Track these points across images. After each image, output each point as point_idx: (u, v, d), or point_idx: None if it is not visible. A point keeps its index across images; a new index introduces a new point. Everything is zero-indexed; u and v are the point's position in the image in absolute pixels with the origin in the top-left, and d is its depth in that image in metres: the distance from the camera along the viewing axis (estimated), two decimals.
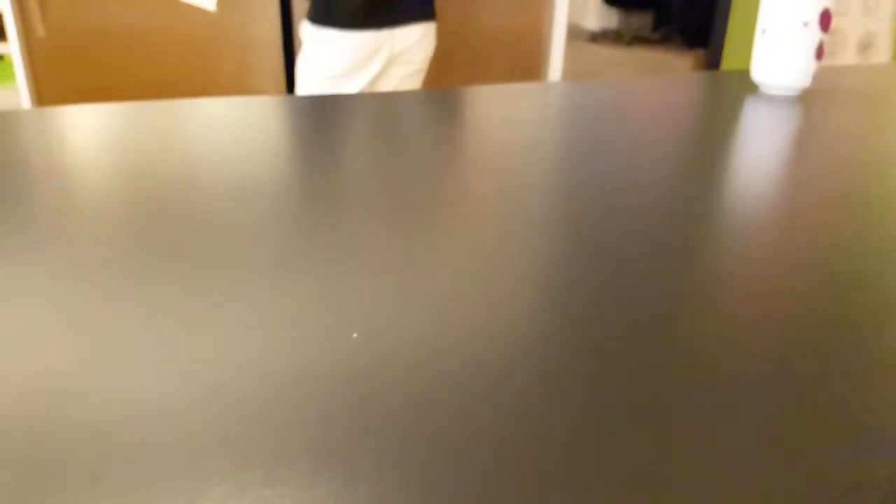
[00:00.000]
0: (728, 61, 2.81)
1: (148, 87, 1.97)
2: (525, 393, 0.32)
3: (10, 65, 2.26)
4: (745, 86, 0.99)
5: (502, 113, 0.85)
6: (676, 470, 0.28)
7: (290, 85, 2.12)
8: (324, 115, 0.82)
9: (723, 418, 0.30)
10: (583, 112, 0.86)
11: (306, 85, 1.66)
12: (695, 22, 3.69)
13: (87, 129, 0.75)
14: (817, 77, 1.08)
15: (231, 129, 0.76)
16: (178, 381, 0.33)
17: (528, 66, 2.27)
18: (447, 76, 1.85)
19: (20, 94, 1.93)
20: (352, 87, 1.62)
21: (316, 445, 0.29)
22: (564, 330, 0.37)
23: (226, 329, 0.37)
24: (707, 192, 0.59)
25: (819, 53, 0.88)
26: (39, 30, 1.88)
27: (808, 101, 0.91)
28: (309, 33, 1.62)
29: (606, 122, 0.81)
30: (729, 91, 0.99)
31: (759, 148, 0.72)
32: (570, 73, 2.43)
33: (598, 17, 4.15)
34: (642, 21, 4.21)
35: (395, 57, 1.63)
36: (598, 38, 4.04)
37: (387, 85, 1.67)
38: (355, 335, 0.36)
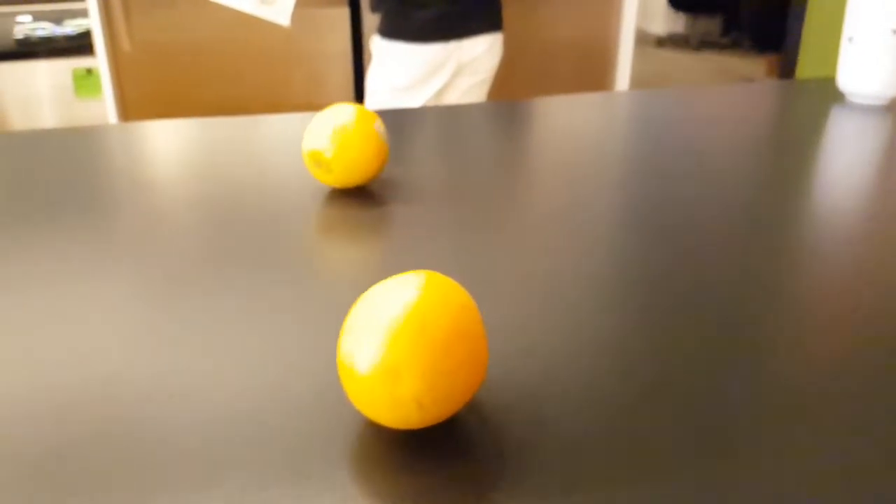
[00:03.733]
0: (803, 67, 2.73)
1: (225, 99, 2.04)
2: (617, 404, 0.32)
3: (98, 78, 2.37)
4: (828, 94, 0.96)
5: (571, 124, 0.85)
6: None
7: (358, 97, 2.17)
8: (393, 128, 0.84)
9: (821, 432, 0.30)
10: (657, 122, 0.85)
11: (376, 96, 1.69)
12: (766, 26, 3.59)
13: (169, 142, 0.79)
14: None
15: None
16: (268, 384, 0.34)
17: (595, 73, 2.25)
18: (513, 85, 1.86)
19: (106, 105, 2.03)
20: (419, 98, 1.64)
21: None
22: (648, 348, 0.37)
23: (326, 337, 0.39)
24: (793, 207, 0.58)
25: None
26: (125, 44, 1.98)
27: None
28: (379, 47, 1.65)
29: (682, 133, 0.80)
30: (812, 100, 0.96)
31: (847, 160, 0.70)
32: (636, 78, 2.41)
33: (664, 21, 4.08)
34: (710, 25, 4.11)
35: (463, 67, 1.65)
36: (664, 42, 3.97)
37: (453, 95, 1.69)
38: None
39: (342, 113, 0.59)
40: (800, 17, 2.72)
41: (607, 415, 0.32)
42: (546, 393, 0.34)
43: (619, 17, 2.22)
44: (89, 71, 2.49)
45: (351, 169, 0.60)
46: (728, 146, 0.75)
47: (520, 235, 0.53)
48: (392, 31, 1.61)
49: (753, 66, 3.61)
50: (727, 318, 0.40)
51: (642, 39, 2.55)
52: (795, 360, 0.36)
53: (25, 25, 2.45)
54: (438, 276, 0.32)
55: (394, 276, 0.32)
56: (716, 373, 0.35)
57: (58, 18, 2.46)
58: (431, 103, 1.65)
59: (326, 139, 0.58)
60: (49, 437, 0.31)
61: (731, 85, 1.10)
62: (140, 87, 2.00)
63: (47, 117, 2.55)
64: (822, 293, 0.43)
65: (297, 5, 1.70)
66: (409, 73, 1.62)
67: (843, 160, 0.70)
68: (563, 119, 0.89)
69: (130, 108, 2.06)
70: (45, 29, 2.45)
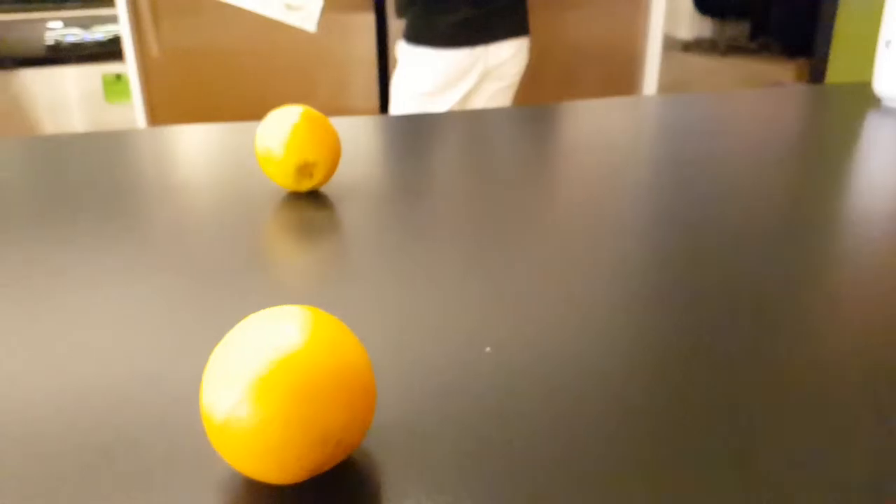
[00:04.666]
0: (833, 72, 2.68)
1: (251, 105, 2.05)
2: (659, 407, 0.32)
3: (127, 83, 2.41)
4: (863, 99, 0.94)
5: (597, 129, 0.84)
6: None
7: (383, 102, 2.17)
8: (420, 133, 0.84)
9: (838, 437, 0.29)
10: (685, 127, 0.84)
11: (401, 102, 1.69)
12: (795, 30, 3.53)
13: (196, 146, 0.79)
14: None
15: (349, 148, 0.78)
16: None
17: (621, 78, 2.24)
18: (539, 90, 1.85)
19: (135, 110, 2.06)
20: (445, 103, 1.64)
21: (451, 460, 0.29)
22: (682, 349, 0.36)
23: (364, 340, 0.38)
24: (829, 212, 0.56)
25: None
26: (154, 50, 2.00)
27: None
28: (404, 52, 1.65)
29: (712, 139, 0.79)
30: (846, 104, 0.94)
31: (885, 164, 0.68)
32: (662, 84, 2.38)
33: (691, 25, 4.04)
34: (738, 30, 4.06)
35: (489, 72, 1.64)
36: (691, 47, 3.93)
37: (479, 100, 1.69)
38: (489, 349, 0.37)
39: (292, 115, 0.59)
40: (830, 21, 2.67)
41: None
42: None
43: (646, 21, 2.20)
44: (118, 76, 2.53)
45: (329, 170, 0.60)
46: (760, 151, 0.74)
47: (539, 243, 0.52)
48: (417, 36, 1.61)
49: (782, 71, 3.56)
50: (761, 329, 0.39)
51: (668, 44, 2.53)
52: (828, 370, 0.35)
53: (56, 31, 2.50)
54: (318, 313, 0.28)
55: (268, 310, 0.29)
56: (737, 373, 0.34)
57: (87, 24, 2.50)
58: (457, 108, 1.65)
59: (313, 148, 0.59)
60: (91, 437, 0.31)
61: (763, 89, 1.09)
62: (168, 92, 2.03)
63: (78, 121, 2.59)
64: (857, 301, 0.42)
65: (324, 11, 1.71)
66: (435, 78, 1.62)
67: (881, 164, 0.68)
68: (589, 123, 0.88)
69: (159, 112, 2.08)
70: (76, 35, 2.49)
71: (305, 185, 0.61)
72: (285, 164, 0.58)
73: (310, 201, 0.61)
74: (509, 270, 0.47)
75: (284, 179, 0.60)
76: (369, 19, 2.09)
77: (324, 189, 0.64)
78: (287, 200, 0.61)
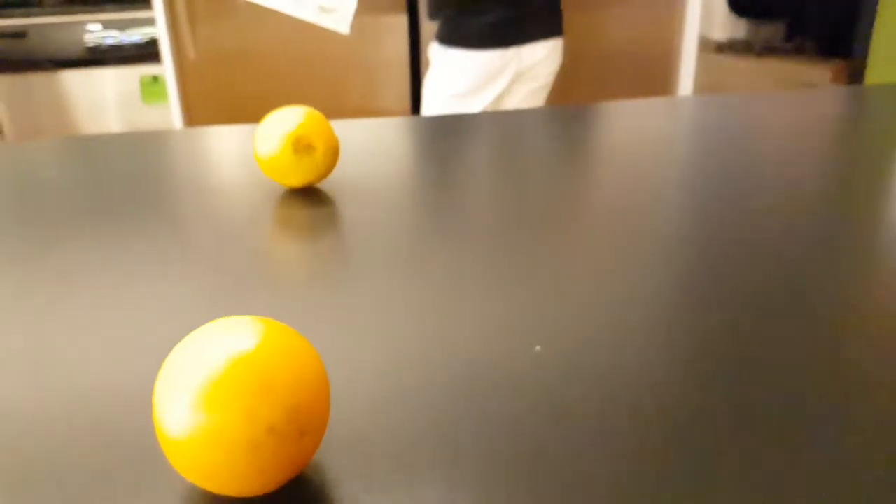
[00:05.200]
0: (872, 73, 2.63)
1: (283, 105, 2.08)
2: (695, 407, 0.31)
3: (164, 85, 2.44)
4: None
5: (636, 129, 0.84)
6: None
7: (415, 104, 2.18)
8: (453, 134, 0.84)
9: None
10: (721, 129, 0.83)
11: (433, 104, 1.69)
12: (832, 31, 3.47)
13: (231, 146, 0.80)
14: None
15: (382, 149, 0.78)
16: (371, 386, 0.34)
17: (656, 79, 2.22)
18: (572, 91, 1.84)
19: (172, 111, 2.09)
20: (477, 105, 1.64)
21: (498, 456, 0.29)
22: (719, 353, 0.36)
23: (409, 342, 0.38)
24: (869, 216, 0.55)
25: None
26: (190, 52, 2.04)
27: None
28: (437, 54, 1.65)
29: (749, 141, 0.77)
30: (887, 106, 0.92)
31: None
32: (697, 85, 2.35)
33: (724, 26, 3.99)
34: (774, 30, 4.00)
35: (522, 73, 1.64)
36: (724, 48, 3.88)
37: (511, 101, 1.68)
38: (538, 348, 0.37)
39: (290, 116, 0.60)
40: (869, 22, 2.62)
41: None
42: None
43: (681, 22, 2.18)
44: (155, 78, 2.57)
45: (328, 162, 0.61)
46: (800, 153, 0.72)
47: (569, 245, 0.52)
48: (450, 37, 1.61)
49: (819, 73, 3.50)
50: (802, 341, 0.39)
51: (702, 45, 2.50)
52: (869, 384, 0.34)
53: (95, 34, 2.55)
54: (273, 323, 0.28)
55: (221, 320, 0.28)
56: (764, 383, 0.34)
57: (125, 27, 2.54)
58: (490, 110, 1.64)
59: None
60: (131, 433, 0.32)
61: (800, 90, 1.07)
62: (204, 93, 2.06)
63: (116, 122, 2.64)
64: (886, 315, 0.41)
65: (356, 13, 1.72)
66: (467, 79, 1.62)
67: None
68: (625, 124, 0.87)
69: (195, 114, 2.11)
70: (114, 37, 2.54)
71: (306, 166, 0.60)
72: (282, 155, 0.59)
73: (326, 200, 0.61)
74: (539, 272, 0.47)
75: (283, 172, 0.61)
76: (402, 21, 2.09)
77: (350, 188, 0.64)
78: (306, 198, 0.62)
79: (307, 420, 0.26)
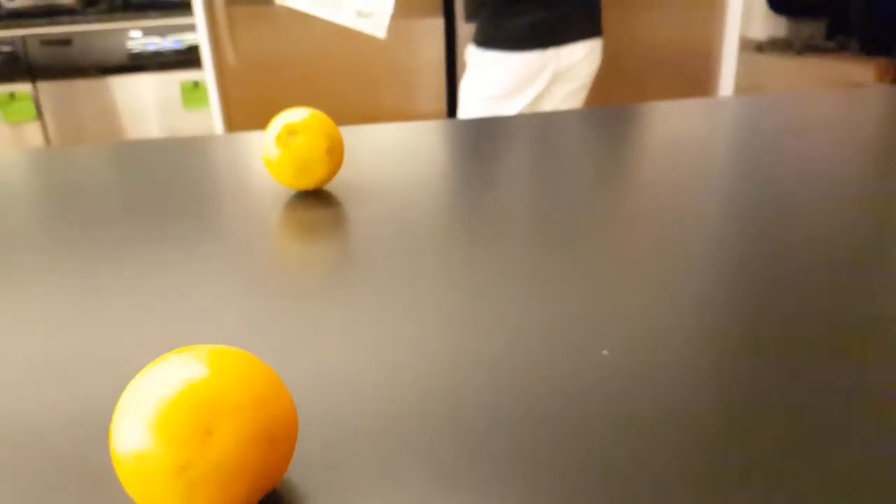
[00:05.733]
0: None
1: (323, 109, 2.10)
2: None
3: (204, 91, 2.48)
4: None
5: (677, 131, 0.82)
6: None
7: (450, 107, 2.18)
8: (489, 137, 0.83)
9: None
10: (770, 128, 0.81)
11: (470, 106, 1.69)
12: (876, 29, 3.38)
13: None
14: None
15: (420, 152, 0.78)
16: (429, 390, 0.34)
17: (696, 80, 2.19)
18: (611, 92, 1.82)
19: (213, 116, 2.12)
20: (514, 107, 1.63)
21: (567, 462, 0.29)
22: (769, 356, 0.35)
23: (471, 343, 0.38)
24: None
25: None
26: (230, 58, 2.06)
27: None
28: (474, 56, 1.65)
29: (796, 140, 0.76)
30: None
31: None
32: (737, 86, 2.31)
33: (764, 25, 3.92)
34: (814, 28, 3.91)
35: (560, 75, 1.62)
36: (764, 47, 3.81)
37: (549, 103, 1.67)
38: (606, 352, 0.36)
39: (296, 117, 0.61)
40: None
41: None
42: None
43: (721, 21, 2.14)
44: (196, 84, 2.61)
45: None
46: (846, 153, 0.70)
47: (609, 247, 0.51)
48: (488, 39, 1.61)
49: (862, 71, 3.41)
50: (846, 352, 0.37)
51: (741, 44, 2.45)
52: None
53: (137, 40, 2.60)
54: (235, 352, 0.28)
55: (181, 351, 0.27)
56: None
57: (165, 33, 2.59)
58: (527, 112, 1.64)
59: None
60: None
61: (844, 90, 1.04)
62: (243, 98, 2.08)
63: (157, 128, 2.69)
64: None
65: (393, 17, 1.73)
66: (505, 82, 1.61)
67: None
68: (664, 125, 0.86)
69: (235, 119, 2.14)
70: (156, 44, 2.59)
71: (298, 162, 0.61)
72: (275, 152, 0.60)
73: (350, 203, 0.61)
74: (579, 276, 0.46)
75: (280, 171, 0.61)
76: (438, 24, 2.10)
77: (381, 191, 0.64)
78: (322, 200, 0.62)
79: (255, 450, 0.25)
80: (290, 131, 0.60)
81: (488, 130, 0.87)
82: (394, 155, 0.77)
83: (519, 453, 0.30)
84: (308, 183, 0.63)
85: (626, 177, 0.67)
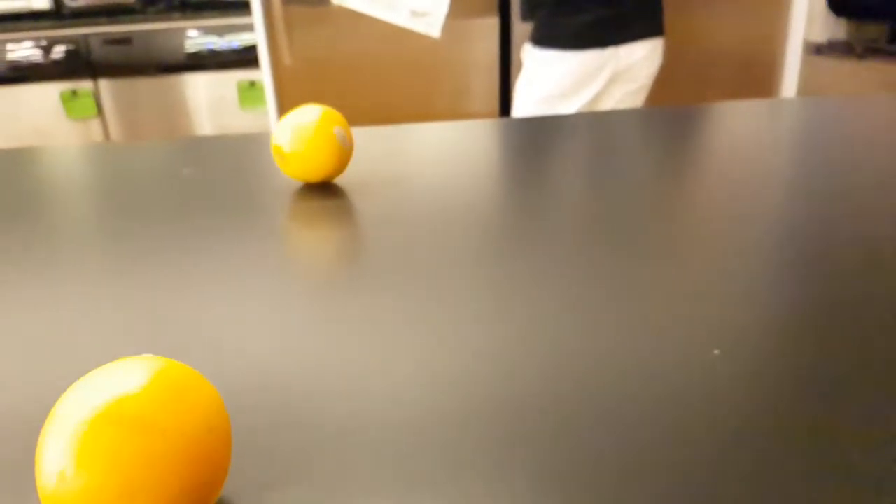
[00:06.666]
0: None
1: (376, 109, 2.10)
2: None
3: (261, 90, 2.52)
4: None
5: (737, 131, 0.80)
6: None
7: (504, 107, 2.17)
8: (543, 135, 0.82)
9: None
10: (834, 131, 0.78)
11: (525, 106, 1.67)
12: None
13: None
14: None
15: (471, 151, 0.77)
16: (504, 389, 0.33)
17: (756, 82, 2.13)
18: (669, 93, 1.79)
19: (269, 115, 2.15)
20: (571, 107, 1.61)
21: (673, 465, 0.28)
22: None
23: (573, 344, 0.37)
24: None
25: None
26: (286, 58, 2.09)
27: None
28: (530, 55, 1.63)
29: (863, 143, 0.73)
30: None
31: None
32: (798, 88, 2.25)
33: (824, 28, 3.82)
34: (876, 31, 3.80)
35: (619, 75, 1.60)
36: (824, 50, 3.71)
37: (607, 103, 1.65)
38: (717, 352, 0.35)
39: (306, 114, 0.63)
40: None
41: None
42: None
43: (784, 23, 2.09)
44: (252, 83, 2.65)
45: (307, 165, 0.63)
46: None
47: (670, 249, 0.49)
48: (545, 38, 1.59)
49: None
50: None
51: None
52: None
53: (195, 40, 2.65)
54: (173, 366, 0.26)
55: (122, 360, 0.26)
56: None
57: (223, 33, 2.63)
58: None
59: (286, 136, 0.62)
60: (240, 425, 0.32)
61: None
62: (299, 98, 2.10)
63: (213, 126, 2.74)
64: None
65: (448, 16, 1.73)
66: (561, 81, 1.59)
67: None
68: (722, 127, 0.83)
69: None
70: (213, 43, 2.64)
71: (311, 175, 0.63)
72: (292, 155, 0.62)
73: (389, 199, 0.61)
74: (637, 278, 0.44)
75: (290, 170, 0.63)
76: (493, 23, 2.09)
77: (420, 193, 0.63)
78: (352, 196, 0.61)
79: (189, 479, 0.24)
80: (301, 127, 0.62)
81: (539, 128, 0.85)
82: (439, 153, 0.76)
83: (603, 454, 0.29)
84: (315, 176, 0.64)
85: (687, 176, 0.65)
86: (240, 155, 0.79)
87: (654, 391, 0.32)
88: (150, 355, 0.26)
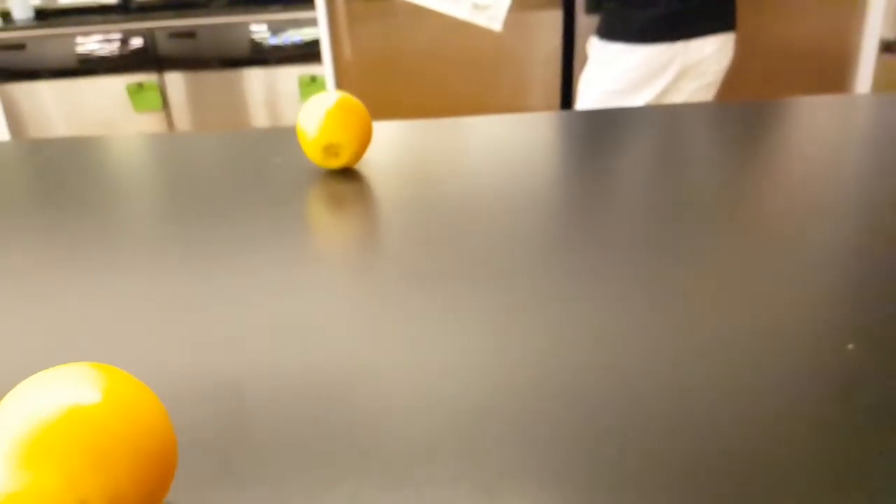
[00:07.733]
0: None
1: (436, 103, 2.11)
2: None
3: (322, 84, 2.55)
4: None
5: (809, 127, 0.77)
6: None
7: (565, 101, 2.14)
8: (608, 128, 0.80)
9: None
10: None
11: (589, 101, 1.65)
12: None
13: (383, 143, 0.79)
14: None
15: (536, 145, 0.76)
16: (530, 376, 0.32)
17: (829, 79, 2.07)
18: (739, 89, 1.74)
19: None
20: (638, 102, 1.59)
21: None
22: None
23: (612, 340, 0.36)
24: None
25: None
26: (347, 53, 2.11)
27: None
28: (596, 48, 1.61)
29: None
30: None
31: None
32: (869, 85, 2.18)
33: (894, 24, 3.68)
34: None
35: (688, 70, 1.57)
36: (892, 47, 3.57)
37: (676, 99, 1.61)
38: (851, 346, 0.34)
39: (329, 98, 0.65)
40: None
41: None
42: None
43: (859, 19, 2.02)
44: (313, 78, 2.68)
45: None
46: None
47: (726, 249, 0.47)
48: (612, 31, 1.57)
49: None
50: None
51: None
52: None
53: (258, 34, 2.69)
54: (114, 373, 0.25)
55: (66, 366, 0.25)
56: None
57: (284, 28, 2.67)
58: None
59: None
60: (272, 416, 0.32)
61: None
62: (359, 92, 2.12)
63: (274, 120, 2.78)
64: None
65: (510, 10, 1.72)
66: (628, 75, 1.57)
67: None
68: (799, 121, 0.81)
69: None
70: (276, 37, 2.68)
71: (332, 164, 0.66)
72: (316, 143, 0.65)
73: (436, 192, 0.60)
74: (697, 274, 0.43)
75: (315, 156, 0.66)
76: (556, 16, 2.07)
77: (471, 186, 0.62)
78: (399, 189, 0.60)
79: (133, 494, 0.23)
80: (335, 151, 0.65)
81: (601, 121, 0.84)
82: (496, 146, 0.75)
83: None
84: (336, 162, 0.66)
85: (760, 172, 0.63)
86: None
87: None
88: (92, 362, 0.26)
